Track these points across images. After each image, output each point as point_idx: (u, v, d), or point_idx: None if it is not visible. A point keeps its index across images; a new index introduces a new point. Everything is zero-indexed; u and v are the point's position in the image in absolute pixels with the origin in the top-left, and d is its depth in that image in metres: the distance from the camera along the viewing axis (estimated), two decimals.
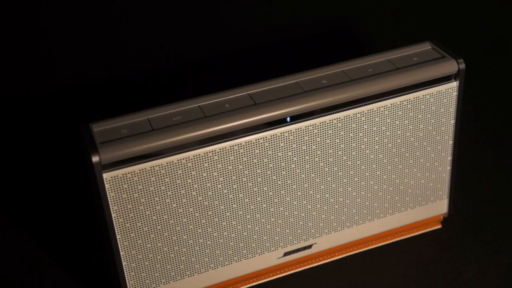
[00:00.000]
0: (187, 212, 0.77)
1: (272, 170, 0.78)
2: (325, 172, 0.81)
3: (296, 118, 0.77)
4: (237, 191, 0.78)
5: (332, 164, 0.81)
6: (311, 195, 0.82)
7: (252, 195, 0.79)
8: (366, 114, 0.79)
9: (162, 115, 0.75)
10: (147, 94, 1.18)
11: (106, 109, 1.14)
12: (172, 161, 0.74)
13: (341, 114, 0.78)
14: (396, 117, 0.81)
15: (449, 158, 0.87)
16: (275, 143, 0.77)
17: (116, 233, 0.75)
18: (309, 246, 0.85)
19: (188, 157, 0.74)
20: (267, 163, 0.78)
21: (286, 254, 0.85)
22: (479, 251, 0.88)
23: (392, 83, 0.79)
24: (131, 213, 0.75)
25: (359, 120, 0.79)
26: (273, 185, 0.79)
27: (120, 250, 0.76)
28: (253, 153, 0.76)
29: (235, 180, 0.77)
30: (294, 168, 0.79)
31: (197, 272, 0.81)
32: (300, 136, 0.78)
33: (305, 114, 0.77)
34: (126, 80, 1.21)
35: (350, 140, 0.80)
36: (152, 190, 0.74)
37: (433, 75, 0.81)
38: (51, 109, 1.17)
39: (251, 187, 0.78)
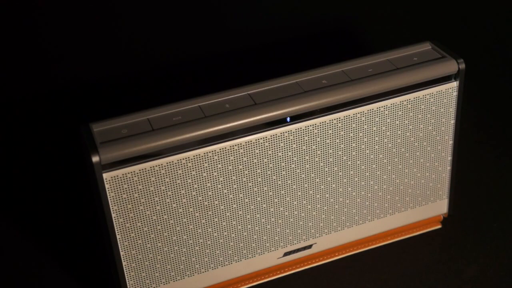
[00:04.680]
0: (187, 212, 0.77)
1: (272, 170, 0.78)
2: (325, 172, 0.81)
3: (296, 118, 0.77)
4: (237, 191, 0.78)
5: (332, 164, 0.81)
6: (311, 195, 0.82)
7: (252, 195, 0.79)
8: (366, 114, 0.79)
9: (162, 115, 0.75)
10: (147, 94, 1.18)
11: (106, 109, 1.14)
12: (172, 161, 0.74)
13: (341, 114, 0.78)
14: (396, 117, 0.81)
15: (449, 158, 0.87)
16: (275, 143, 0.77)
17: (116, 233, 0.75)
18: (309, 246, 0.85)
19: (188, 157, 0.74)
20: (267, 163, 0.78)
21: (286, 254, 0.85)
22: (479, 251, 0.88)
23: (392, 83, 0.79)
24: (131, 213, 0.75)
25: (359, 120, 0.79)
26: (273, 185, 0.79)
27: (120, 250, 0.76)
28: (253, 153, 0.76)
29: (235, 180, 0.77)
30: (294, 168, 0.79)
31: (197, 272, 0.81)
32: (300, 136, 0.78)
33: (305, 114, 0.77)
34: (126, 80, 1.21)
35: (350, 140, 0.80)
36: (152, 190, 0.74)
37: (433, 75, 0.81)
38: (51, 109, 1.17)
39: (251, 187, 0.78)
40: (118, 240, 0.75)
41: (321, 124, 0.78)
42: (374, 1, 1.33)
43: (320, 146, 0.79)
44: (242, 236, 0.81)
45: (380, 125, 0.81)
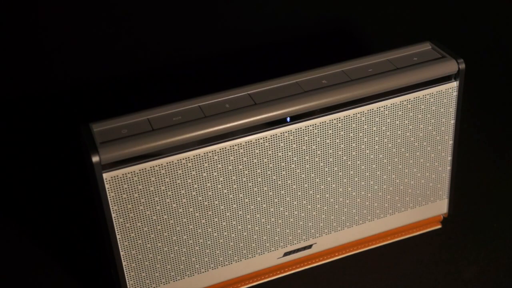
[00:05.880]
0: (187, 212, 0.77)
1: (272, 170, 0.78)
2: (325, 172, 0.81)
3: (296, 118, 0.77)
4: (237, 191, 0.78)
5: (332, 164, 0.81)
6: (311, 195, 0.82)
7: (252, 195, 0.79)
8: (366, 114, 0.79)
9: (162, 115, 0.75)
10: (147, 94, 1.18)
11: (106, 109, 1.14)
12: (172, 161, 0.74)
13: (341, 114, 0.78)
14: (396, 117, 0.81)
15: (449, 158, 0.87)
16: (275, 143, 0.77)
17: (116, 233, 0.75)
18: (309, 246, 0.85)
19: (188, 157, 0.74)
20: (267, 163, 0.78)
21: (286, 254, 0.85)
22: (479, 251, 0.88)
23: (392, 83, 0.79)
24: (131, 213, 0.75)
25: (359, 120, 0.79)
26: (273, 185, 0.79)
27: (120, 250, 0.76)
28: (253, 153, 0.76)
29: (235, 180, 0.77)
30: (294, 168, 0.79)
31: (197, 272, 0.81)
32: (300, 136, 0.78)
33: (305, 114, 0.77)
34: (126, 80, 1.21)
35: (350, 140, 0.80)
36: (152, 190, 0.74)
37: (433, 75, 0.81)
38: (51, 109, 1.17)
39: (251, 187, 0.78)
40: (118, 240, 0.75)
41: (321, 124, 0.78)
42: (374, 1, 1.33)
43: (320, 146, 0.79)
44: (242, 236, 0.81)
45: (380, 125, 0.81)
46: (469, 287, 0.84)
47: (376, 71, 0.80)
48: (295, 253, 0.85)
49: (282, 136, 0.77)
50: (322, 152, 0.79)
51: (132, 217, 0.75)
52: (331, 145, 0.79)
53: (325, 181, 0.81)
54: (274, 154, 0.77)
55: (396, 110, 0.81)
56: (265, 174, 0.78)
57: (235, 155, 0.76)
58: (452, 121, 0.84)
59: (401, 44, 0.85)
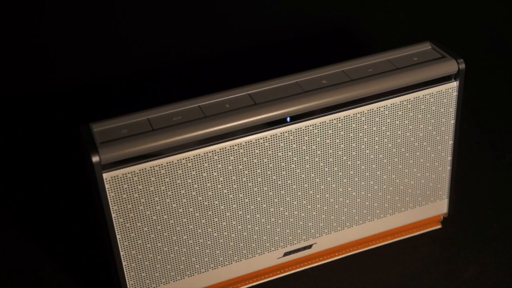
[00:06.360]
0: (187, 212, 0.77)
1: (272, 170, 0.78)
2: (325, 172, 0.81)
3: (296, 118, 0.77)
4: (237, 191, 0.78)
5: (332, 164, 0.81)
6: (311, 195, 0.82)
7: (252, 195, 0.79)
8: (366, 114, 0.79)
9: (162, 115, 0.75)
10: (147, 94, 1.18)
11: (106, 109, 1.14)
12: (172, 161, 0.74)
13: (341, 114, 0.78)
14: (396, 117, 0.81)
15: (449, 158, 0.87)
16: (275, 143, 0.77)
17: (116, 233, 0.75)
18: (309, 246, 0.85)
19: (188, 157, 0.74)
20: (267, 163, 0.78)
21: (286, 254, 0.85)
22: (479, 251, 0.88)
23: (392, 83, 0.79)
24: (131, 213, 0.75)
25: (359, 120, 0.79)
26: (273, 185, 0.79)
27: (120, 250, 0.76)
28: (253, 153, 0.76)
29: (235, 180, 0.77)
30: (294, 168, 0.79)
31: (197, 272, 0.81)
32: (300, 136, 0.78)
33: (305, 114, 0.77)
34: (126, 80, 1.21)
35: (350, 140, 0.80)
36: (152, 190, 0.74)
37: (433, 75, 0.81)
38: (51, 109, 1.17)
39: (251, 187, 0.78)
40: (118, 240, 0.75)
41: (321, 124, 0.78)
42: (374, 1, 1.33)
43: (320, 146, 0.79)
44: (242, 236, 0.81)
45: (380, 125, 0.81)
46: (469, 287, 0.84)
47: (376, 71, 0.80)
48: (295, 253, 0.85)
49: (282, 136, 0.77)
50: (322, 152, 0.79)
51: (132, 217, 0.75)
52: (331, 145, 0.79)
53: (325, 181, 0.81)
54: (274, 154, 0.77)
55: (396, 110, 0.81)
56: (265, 174, 0.78)
57: (235, 155, 0.76)
58: (452, 121, 0.84)
59: (401, 44, 0.85)
